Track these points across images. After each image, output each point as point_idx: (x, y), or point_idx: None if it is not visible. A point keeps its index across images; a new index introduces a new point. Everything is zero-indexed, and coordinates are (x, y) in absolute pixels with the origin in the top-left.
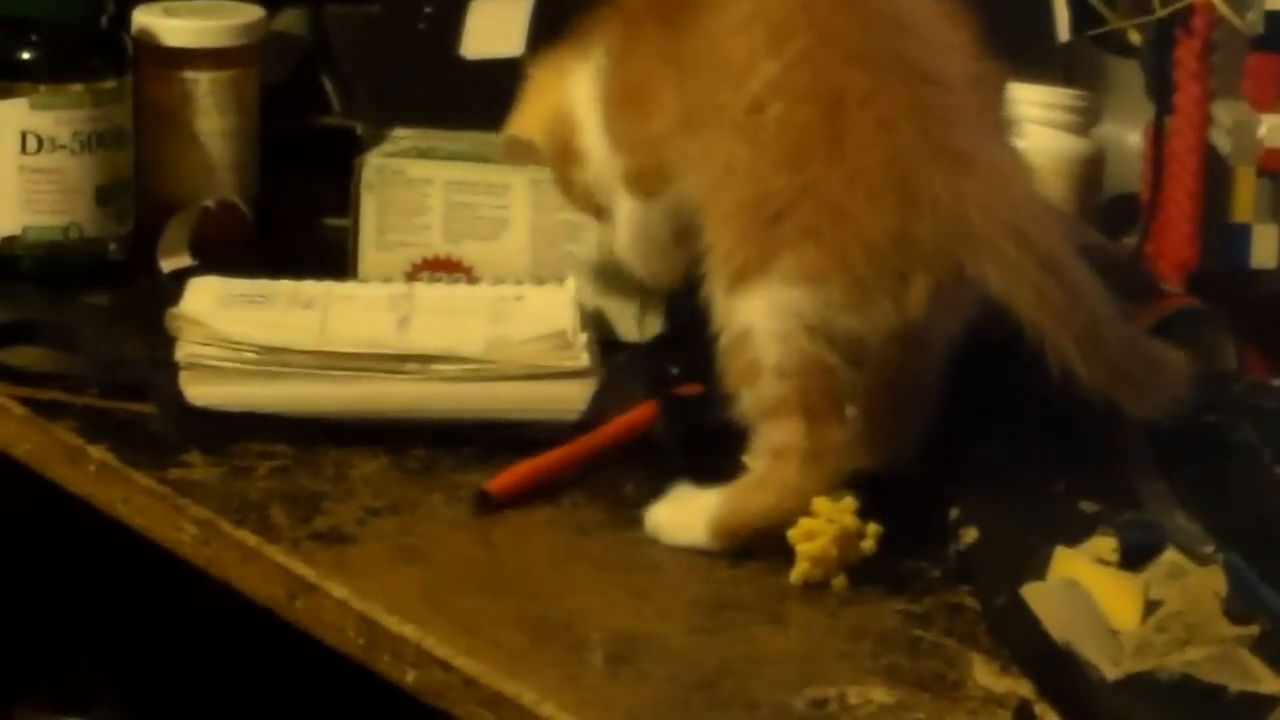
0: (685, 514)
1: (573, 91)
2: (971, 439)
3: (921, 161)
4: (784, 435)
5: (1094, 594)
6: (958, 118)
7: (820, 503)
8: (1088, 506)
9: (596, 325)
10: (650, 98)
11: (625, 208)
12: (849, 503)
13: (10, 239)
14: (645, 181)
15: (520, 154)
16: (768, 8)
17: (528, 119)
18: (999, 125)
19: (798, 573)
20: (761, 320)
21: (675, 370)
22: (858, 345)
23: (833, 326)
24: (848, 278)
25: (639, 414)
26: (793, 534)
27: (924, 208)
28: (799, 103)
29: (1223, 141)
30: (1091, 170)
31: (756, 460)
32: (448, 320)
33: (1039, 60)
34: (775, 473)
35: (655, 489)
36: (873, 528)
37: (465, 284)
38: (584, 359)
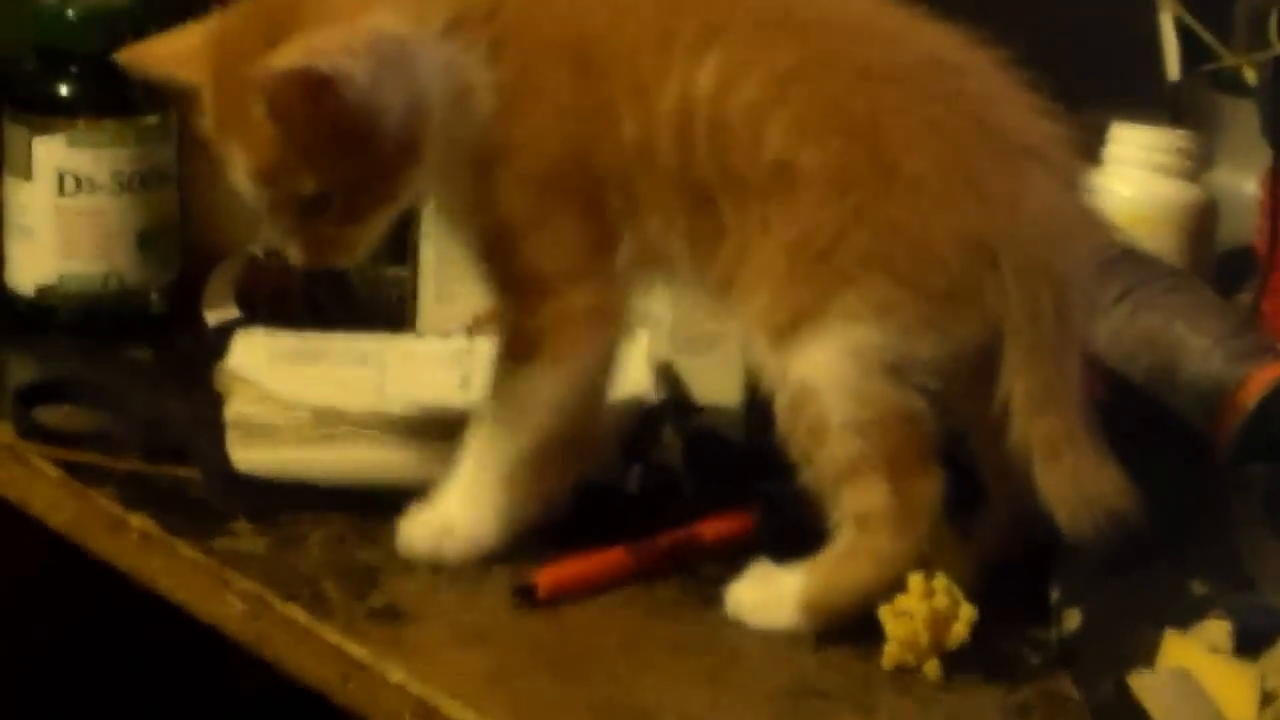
0: (771, 594)
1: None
2: None
3: (980, 153)
4: (867, 499)
5: (1206, 684)
6: (1003, 102)
7: (914, 581)
8: (1199, 587)
9: (668, 383)
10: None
11: None
12: (942, 581)
13: (46, 289)
14: None
15: None
16: (751, 55)
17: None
18: (1038, 108)
19: (888, 657)
20: (822, 372)
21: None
22: (943, 370)
23: (911, 357)
24: (923, 297)
25: (726, 524)
26: (883, 611)
27: (989, 202)
28: (823, 139)
29: None
30: (1203, 220)
31: (841, 530)
32: None
33: (1147, 100)
34: (864, 541)
35: (734, 566)
36: (966, 610)
37: None
38: None
